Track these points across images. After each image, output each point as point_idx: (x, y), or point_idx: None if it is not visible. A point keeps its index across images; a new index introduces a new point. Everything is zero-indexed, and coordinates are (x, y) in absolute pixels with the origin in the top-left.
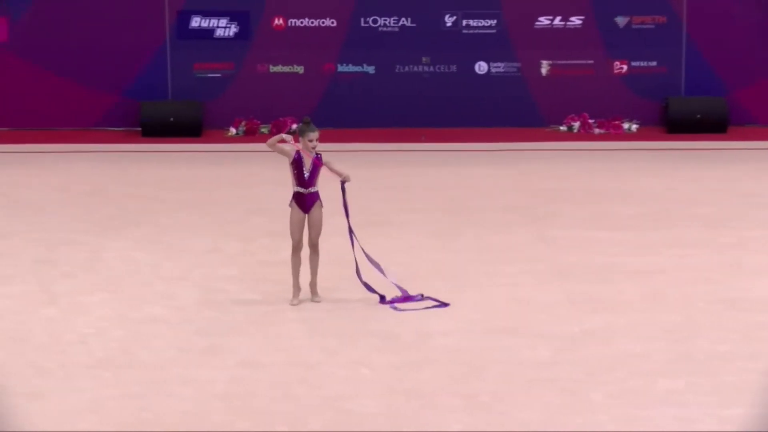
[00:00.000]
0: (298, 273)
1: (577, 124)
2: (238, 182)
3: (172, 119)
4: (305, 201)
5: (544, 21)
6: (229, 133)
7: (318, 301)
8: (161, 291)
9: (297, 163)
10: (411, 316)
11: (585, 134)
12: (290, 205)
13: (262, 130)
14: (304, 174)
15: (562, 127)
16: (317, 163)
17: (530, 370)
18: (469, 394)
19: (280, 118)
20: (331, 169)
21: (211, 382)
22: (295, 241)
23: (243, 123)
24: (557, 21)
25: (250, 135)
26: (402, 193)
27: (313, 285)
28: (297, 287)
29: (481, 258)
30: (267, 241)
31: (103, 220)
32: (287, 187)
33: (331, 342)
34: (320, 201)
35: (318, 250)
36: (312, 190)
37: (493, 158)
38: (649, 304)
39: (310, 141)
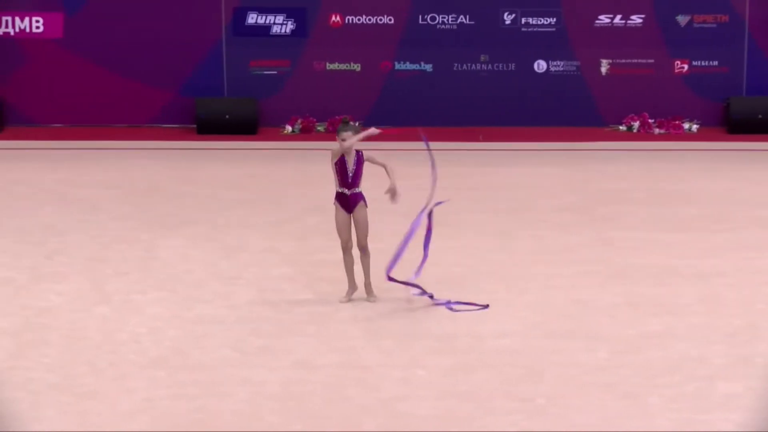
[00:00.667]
0: (353, 271)
1: (636, 124)
2: (293, 181)
3: (227, 116)
4: (348, 201)
5: (604, 19)
6: (285, 131)
7: (373, 301)
8: (216, 290)
9: (341, 164)
10: (467, 317)
11: (645, 134)
12: (334, 204)
13: (318, 128)
14: (348, 174)
15: (621, 127)
16: (360, 161)
17: (588, 374)
18: (525, 397)
19: (336, 117)
20: (374, 162)
21: (265, 382)
22: (343, 241)
23: (299, 121)
24: (618, 19)
25: (306, 133)
26: (460, 193)
27: (367, 285)
28: (352, 285)
29: (539, 259)
30: (322, 240)
31: (158, 218)
32: None
33: (387, 343)
34: (364, 201)
35: (368, 250)
36: (356, 191)
37: (551, 158)
38: (709, 307)
39: (343, 140)
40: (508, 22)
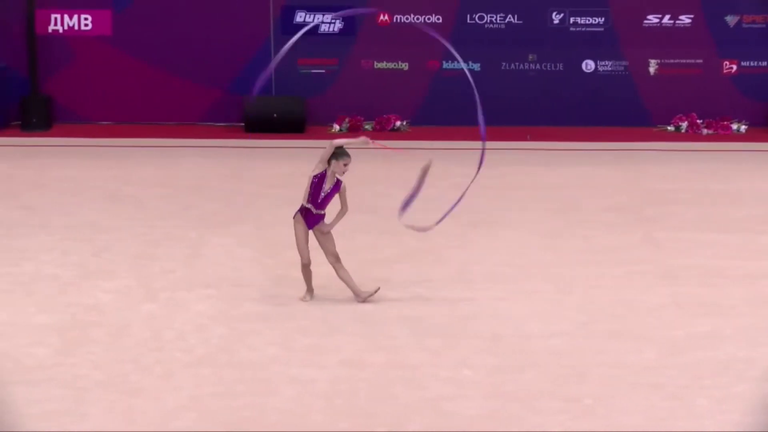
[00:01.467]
0: (311, 280)
1: (684, 125)
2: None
3: (275, 115)
4: (311, 219)
5: (653, 19)
6: (333, 130)
7: (362, 300)
8: (262, 288)
9: (319, 181)
10: (514, 317)
11: (693, 135)
12: (295, 217)
13: (366, 126)
14: (320, 194)
15: (669, 127)
16: (336, 188)
17: (634, 374)
18: (571, 397)
19: (384, 116)
20: (341, 197)
21: (312, 381)
22: (305, 257)
23: (346, 120)
24: (666, 19)
25: (354, 131)
26: (507, 193)
27: (357, 294)
28: (310, 290)
29: (586, 259)
30: (369, 239)
31: (205, 216)
32: (395, 186)
33: (433, 342)
34: (323, 223)
35: (339, 260)
36: (321, 213)
37: (599, 158)
38: (757, 308)
39: (345, 165)
40: (556, 21)
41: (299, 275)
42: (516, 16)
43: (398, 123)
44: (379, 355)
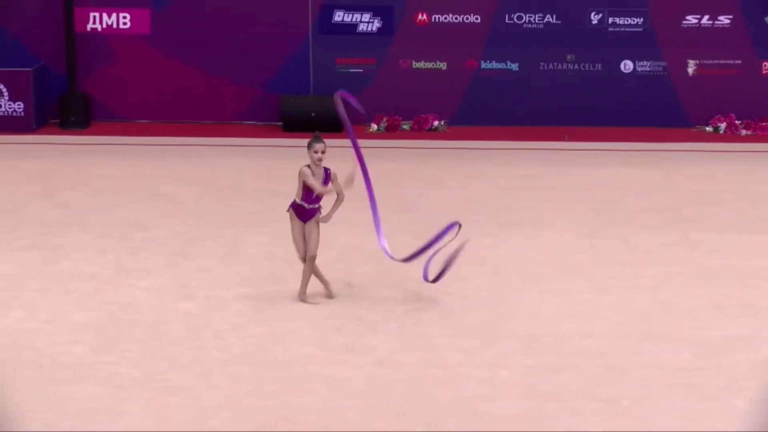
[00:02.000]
0: (319, 272)
1: (723, 125)
2: (378, 179)
3: (313, 114)
4: (305, 213)
5: (691, 20)
6: (371, 129)
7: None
8: (298, 286)
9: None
10: (550, 317)
11: (731, 135)
12: (288, 212)
13: (404, 126)
14: (313, 193)
15: (708, 128)
16: (327, 179)
17: (672, 375)
18: (608, 398)
19: (422, 115)
20: (335, 183)
21: (348, 380)
22: (301, 252)
23: (384, 119)
24: (705, 20)
25: (392, 131)
26: (544, 193)
27: (301, 293)
28: (325, 282)
29: (623, 259)
30: (408, 238)
31: (242, 215)
32: (430, 184)
33: (470, 342)
34: (319, 214)
35: (313, 262)
36: (315, 206)
37: (637, 158)
38: None
39: (316, 152)
40: (594, 21)
41: (337, 274)
42: (554, 16)
43: (436, 123)
44: (415, 354)
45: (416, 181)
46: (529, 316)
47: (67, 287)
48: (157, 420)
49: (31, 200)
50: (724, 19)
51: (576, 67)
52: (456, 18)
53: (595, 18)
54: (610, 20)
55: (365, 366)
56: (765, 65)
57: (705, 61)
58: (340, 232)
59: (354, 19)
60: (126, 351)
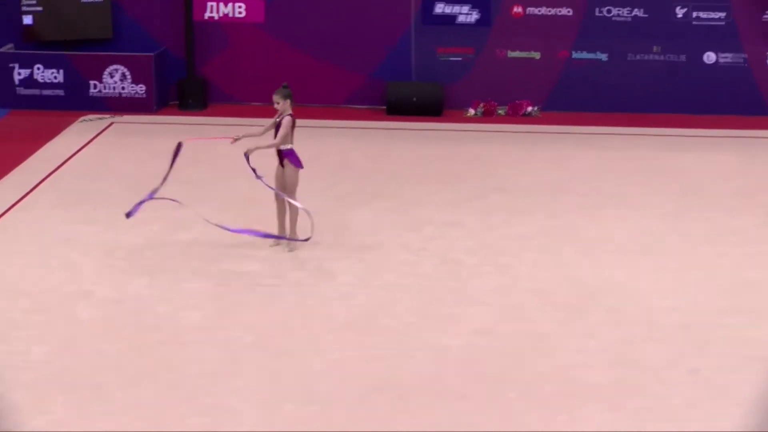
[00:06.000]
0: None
1: None
2: (477, 160)
3: (415, 99)
4: (280, 157)
5: None
6: (468, 114)
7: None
8: (403, 260)
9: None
10: (639, 292)
11: None
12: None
13: (499, 111)
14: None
15: None
16: (280, 124)
17: (753, 348)
18: (692, 368)
19: (517, 101)
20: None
21: (448, 347)
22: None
23: (481, 105)
24: None
25: (488, 116)
26: (633, 175)
27: (292, 233)
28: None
29: (708, 240)
30: (505, 216)
31: (350, 193)
32: (524, 165)
33: (562, 314)
34: (290, 159)
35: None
36: (282, 148)
37: (719, 144)
38: None
39: (276, 103)
40: (680, 15)
41: (437, 248)
42: (642, 10)
43: (530, 108)
44: (511, 324)
45: (511, 162)
46: (618, 291)
47: (187, 257)
48: (268, 381)
49: (152, 176)
50: None
51: (661, 57)
52: (549, 10)
53: (680, 12)
54: (695, 14)
55: (464, 334)
56: None
57: None
58: (435, 210)
59: (454, 11)
60: (240, 317)
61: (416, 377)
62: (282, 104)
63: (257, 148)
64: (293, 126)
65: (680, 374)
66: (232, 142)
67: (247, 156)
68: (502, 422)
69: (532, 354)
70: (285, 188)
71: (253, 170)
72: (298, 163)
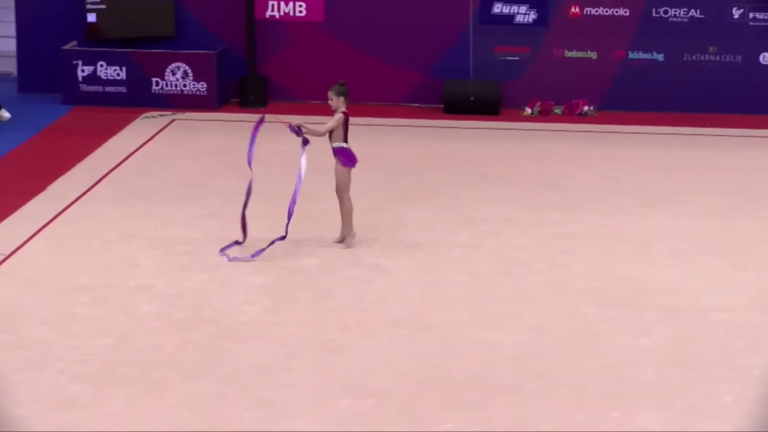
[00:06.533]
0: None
1: None
2: (532, 158)
3: (472, 98)
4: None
5: None
6: (525, 113)
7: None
8: (457, 257)
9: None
10: (690, 291)
11: None
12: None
13: (555, 110)
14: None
15: None
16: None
17: None
18: (741, 367)
19: (573, 100)
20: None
21: (500, 344)
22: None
23: (538, 103)
24: None
25: (545, 115)
26: (686, 174)
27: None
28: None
29: (760, 239)
30: (557, 214)
31: (406, 190)
32: (579, 164)
33: (614, 312)
34: (337, 158)
35: (343, 201)
36: (332, 146)
37: None
38: None
39: (330, 99)
40: (736, 16)
41: (491, 246)
42: (698, 11)
43: (586, 108)
44: (563, 322)
45: (566, 160)
46: (670, 290)
47: (245, 252)
48: (323, 376)
49: (213, 172)
50: None
51: (717, 58)
52: (606, 11)
53: (736, 13)
54: (751, 15)
55: (516, 332)
56: None
57: None
58: (489, 207)
59: (512, 11)
60: (296, 312)
61: (468, 373)
62: (335, 101)
63: (308, 131)
64: (346, 124)
65: (731, 373)
66: (290, 126)
67: (296, 129)
68: (554, 419)
69: (584, 352)
70: (336, 186)
71: (302, 135)
72: (347, 162)
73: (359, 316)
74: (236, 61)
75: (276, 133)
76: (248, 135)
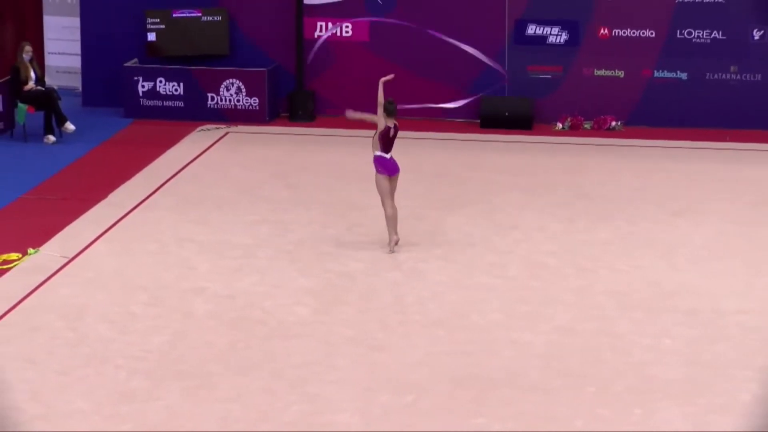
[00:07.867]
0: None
1: None
2: (562, 170)
3: (507, 113)
4: (392, 165)
5: None
6: (556, 128)
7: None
8: (491, 261)
9: (386, 134)
10: (711, 295)
11: None
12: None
13: (585, 125)
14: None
15: None
16: (396, 130)
17: None
18: (759, 367)
19: (602, 116)
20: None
21: (530, 344)
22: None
23: (568, 119)
24: None
25: (575, 130)
26: (709, 186)
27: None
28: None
29: None
30: (585, 222)
31: (444, 198)
32: (607, 176)
33: (638, 314)
34: (375, 165)
35: (386, 210)
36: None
37: None
38: None
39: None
40: (756, 37)
41: (523, 251)
42: (720, 33)
43: (614, 123)
44: (590, 323)
45: (595, 173)
46: (691, 293)
47: (293, 257)
48: (364, 373)
49: (263, 182)
50: None
51: (738, 77)
52: (634, 32)
53: (756, 34)
54: None
55: (546, 332)
56: None
57: None
58: (522, 215)
59: (544, 32)
60: (341, 313)
61: (501, 371)
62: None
63: (362, 117)
64: (385, 135)
65: (748, 373)
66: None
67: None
68: (580, 415)
69: (610, 352)
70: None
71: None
72: (382, 170)
73: (399, 317)
74: (286, 77)
75: (326, 145)
76: (296, 148)
